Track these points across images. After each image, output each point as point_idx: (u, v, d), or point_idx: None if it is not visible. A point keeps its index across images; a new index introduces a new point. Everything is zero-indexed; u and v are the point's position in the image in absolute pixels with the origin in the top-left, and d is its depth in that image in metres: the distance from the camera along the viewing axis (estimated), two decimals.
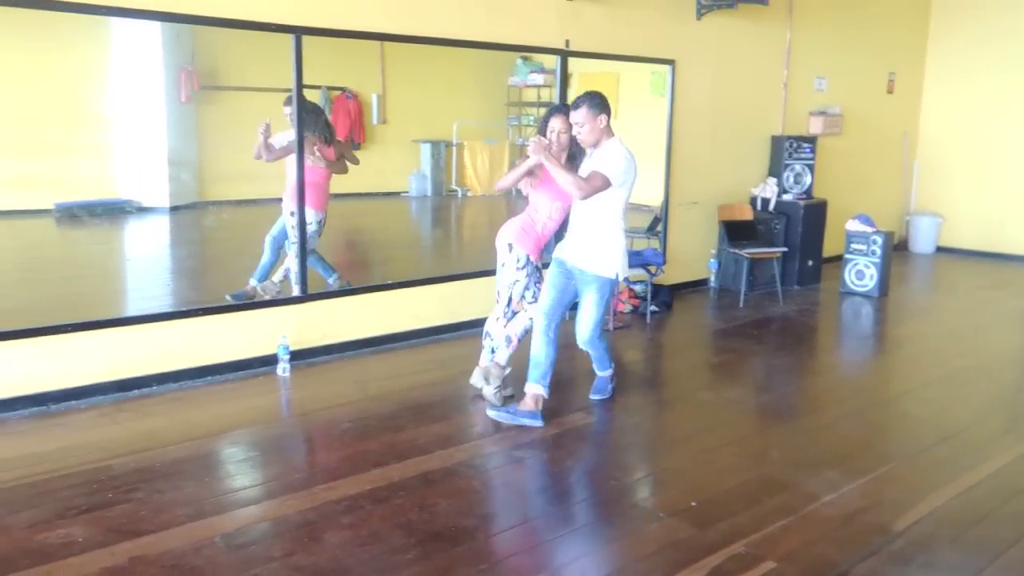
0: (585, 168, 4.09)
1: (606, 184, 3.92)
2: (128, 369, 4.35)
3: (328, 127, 5.47)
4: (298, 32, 4.68)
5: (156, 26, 7.59)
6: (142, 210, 7.66)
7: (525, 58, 11.44)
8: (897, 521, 3.22)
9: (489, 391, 4.27)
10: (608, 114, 4.01)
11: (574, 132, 4.07)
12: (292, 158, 4.91)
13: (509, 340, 4.39)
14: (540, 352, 4.09)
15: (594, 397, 4.44)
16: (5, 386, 4.01)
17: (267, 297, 5.15)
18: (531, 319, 4.26)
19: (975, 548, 3.07)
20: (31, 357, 4.09)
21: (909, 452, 3.99)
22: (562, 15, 5.95)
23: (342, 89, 10.31)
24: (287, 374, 4.73)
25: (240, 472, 3.67)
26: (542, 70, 11.13)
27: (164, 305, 5.77)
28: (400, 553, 2.92)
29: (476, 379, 4.45)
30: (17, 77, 4.83)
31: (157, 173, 7.82)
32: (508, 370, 4.39)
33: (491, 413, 4.12)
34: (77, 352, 4.20)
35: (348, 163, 5.65)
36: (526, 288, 4.33)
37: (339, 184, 5.92)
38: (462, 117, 11.14)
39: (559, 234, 4.44)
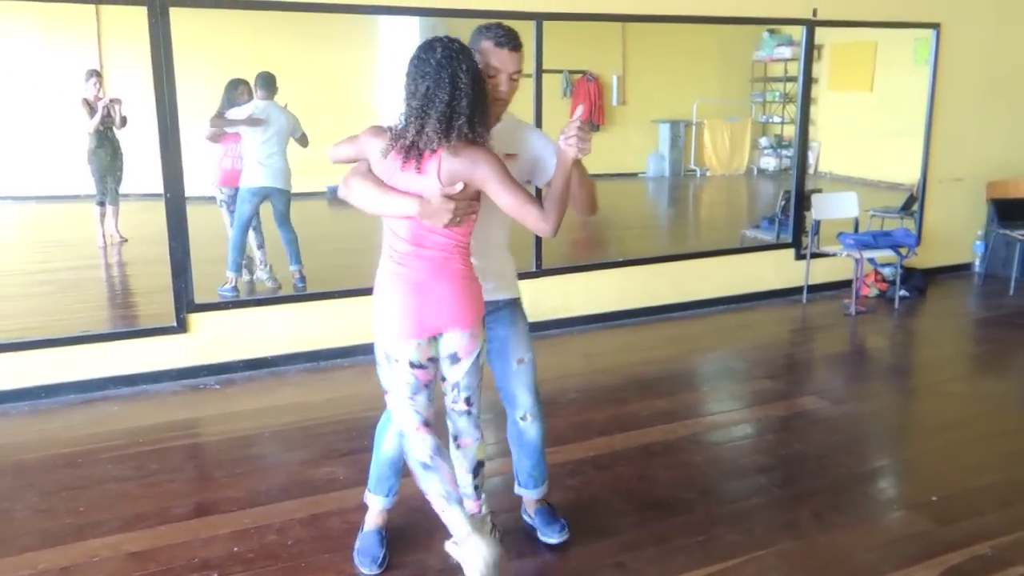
0: (537, 161, 2.66)
1: None
2: None
3: None
4: (539, 18, 4.89)
5: (414, 22, 8.27)
6: None
7: (772, 31, 10.97)
8: None
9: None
10: None
11: (509, 87, 2.57)
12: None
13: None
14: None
15: None
16: (287, 343, 4.64)
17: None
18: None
19: None
20: (308, 319, 4.70)
21: None
22: None
23: (583, 72, 10.53)
24: None
25: None
26: (790, 43, 10.63)
27: None
28: (618, 517, 3.04)
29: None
30: (299, 73, 5.51)
31: None
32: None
33: None
34: (344, 316, 4.74)
35: None
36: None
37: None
38: (703, 95, 10.93)
39: None
